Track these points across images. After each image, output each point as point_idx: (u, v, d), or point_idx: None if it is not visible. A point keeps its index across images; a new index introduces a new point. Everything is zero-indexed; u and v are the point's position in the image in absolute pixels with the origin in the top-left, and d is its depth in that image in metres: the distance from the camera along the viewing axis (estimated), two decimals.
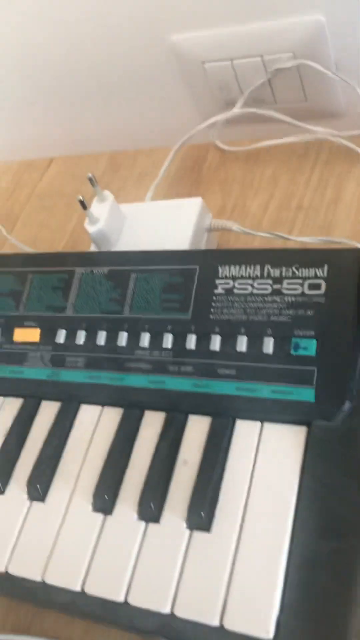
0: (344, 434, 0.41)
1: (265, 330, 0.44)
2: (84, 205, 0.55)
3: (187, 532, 0.41)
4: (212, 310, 0.46)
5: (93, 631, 0.45)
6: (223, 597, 0.38)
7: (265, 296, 0.45)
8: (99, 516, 0.44)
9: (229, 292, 0.46)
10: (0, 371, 0.52)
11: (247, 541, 0.39)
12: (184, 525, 0.41)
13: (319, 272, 0.44)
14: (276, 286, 0.45)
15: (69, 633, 0.46)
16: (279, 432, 0.42)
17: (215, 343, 0.45)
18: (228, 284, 0.47)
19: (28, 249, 0.69)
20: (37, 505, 0.46)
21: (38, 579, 0.43)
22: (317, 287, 0.44)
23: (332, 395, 0.41)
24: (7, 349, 0.53)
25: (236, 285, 0.46)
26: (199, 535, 0.41)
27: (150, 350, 0.47)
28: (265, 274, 0.46)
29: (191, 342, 0.46)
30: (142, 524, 0.42)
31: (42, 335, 0.52)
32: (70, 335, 0.51)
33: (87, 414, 0.49)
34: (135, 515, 0.43)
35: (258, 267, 0.46)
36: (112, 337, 0.49)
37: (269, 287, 0.45)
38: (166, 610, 0.39)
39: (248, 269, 0.46)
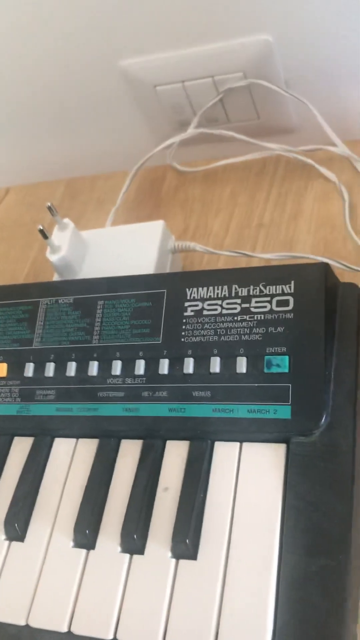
0: (323, 448, 0.40)
1: (238, 349, 0.44)
2: (44, 234, 0.54)
3: (173, 561, 0.40)
4: (183, 333, 0.46)
5: None
6: (215, 625, 0.37)
7: (234, 315, 0.45)
8: (82, 552, 0.43)
9: (198, 313, 0.46)
10: None
11: (234, 566, 0.39)
12: (169, 554, 0.40)
13: (286, 289, 0.45)
14: (245, 305, 0.45)
15: None
16: (259, 452, 0.42)
17: (189, 366, 0.45)
18: (197, 305, 0.46)
19: None
20: (16, 545, 0.45)
21: (22, 622, 0.41)
22: (285, 303, 0.44)
23: (309, 410, 0.41)
24: None
25: (205, 306, 0.46)
26: (185, 563, 0.40)
27: (123, 378, 0.47)
28: (233, 294, 0.46)
29: (164, 366, 0.45)
30: (126, 556, 0.41)
31: (9, 369, 0.51)
32: (39, 368, 0.50)
33: (62, 447, 0.48)
34: (118, 548, 0.42)
35: (226, 287, 0.46)
36: (82, 367, 0.48)
37: (237, 306, 0.45)
38: None
39: (216, 289, 0.46)
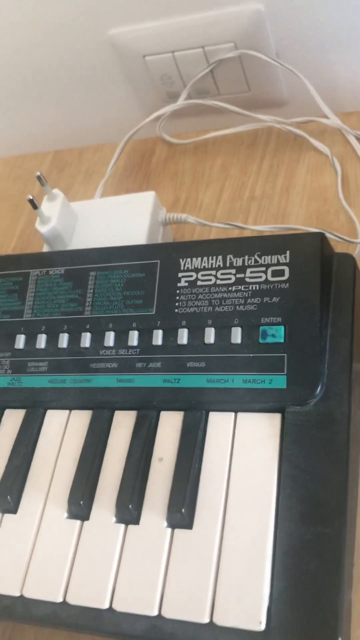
0: (318, 417, 0.41)
1: (232, 320, 0.44)
2: (34, 204, 0.53)
3: (169, 530, 0.40)
4: (177, 304, 0.45)
5: None
6: (211, 593, 0.38)
7: (229, 286, 0.45)
8: (76, 523, 0.42)
9: (192, 284, 0.46)
10: None
11: (230, 534, 0.39)
12: (165, 524, 0.40)
13: (282, 258, 0.44)
14: (239, 275, 0.45)
15: None
16: (254, 421, 0.42)
17: (183, 337, 0.44)
18: (191, 276, 0.46)
19: None
20: (9, 517, 0.44)
21: (16, 593, 0.41)
22: (280, 273, 0.44)
23: (304, 380, 0.41)
24: None
25: (199, 277, 0.46)
26: (181, 533, 0.40)
27: (116, 349, 0.46)
28: (228, 264, 0.45)
29: (158, 337, 0.45)
30: (122, 526, 0.41)
31: None
32: (30, 340, 0.49)
33: (54, 419, 0.47)
34: (113, 519, 0.42)
35: (220, 258, 0.46)
36: (74, 339, 0.48)
37: (232, 276, 0.45)
38: (153, 612, 0.38)
39: (210, 260, 0.46)
